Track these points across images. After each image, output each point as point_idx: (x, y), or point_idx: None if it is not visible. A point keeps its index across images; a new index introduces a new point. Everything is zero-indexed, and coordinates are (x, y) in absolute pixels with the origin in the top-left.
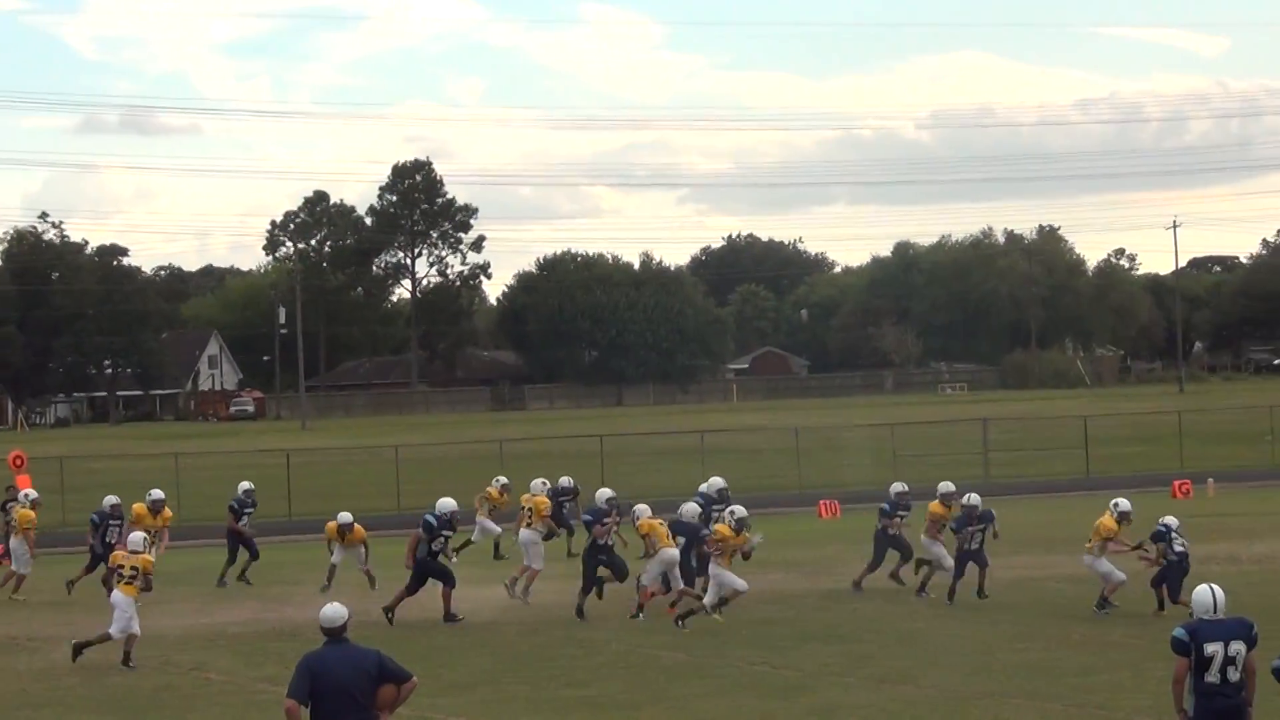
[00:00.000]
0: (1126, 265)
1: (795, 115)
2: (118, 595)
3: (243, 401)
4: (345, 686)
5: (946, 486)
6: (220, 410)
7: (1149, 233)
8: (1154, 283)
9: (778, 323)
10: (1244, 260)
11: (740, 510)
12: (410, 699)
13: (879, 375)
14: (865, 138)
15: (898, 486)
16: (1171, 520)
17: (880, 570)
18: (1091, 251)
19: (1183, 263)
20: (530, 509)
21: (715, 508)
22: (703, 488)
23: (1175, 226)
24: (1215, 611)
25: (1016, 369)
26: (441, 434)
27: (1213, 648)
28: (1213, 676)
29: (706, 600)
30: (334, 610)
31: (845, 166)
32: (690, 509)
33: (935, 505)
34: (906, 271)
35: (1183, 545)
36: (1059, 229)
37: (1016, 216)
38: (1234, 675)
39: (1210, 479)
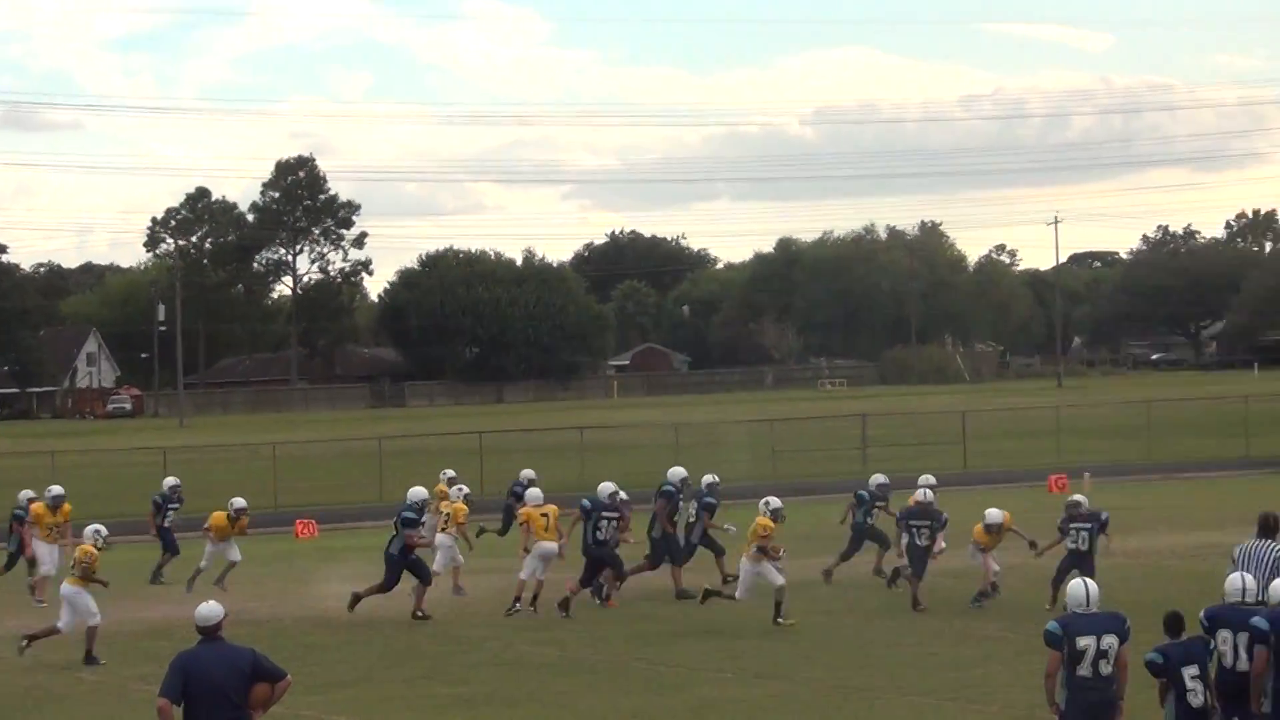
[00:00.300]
0: (1007, 261)
1: (680, 112)
2: (65, 587)
3: (120, 399)
4: (219, 685)
5: (927, 480)
6: (97, 408)
7: (1030, 228)
8: (1034, 278)
9: (659, 319)
10: (1124, 256)
11: (775, 501)
12: (284, 697)
13: (759, 371)
14: (749, 134)
15: (879, 478)
16: (1082, 499)
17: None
18: (973, 247)
19: (1063, 258)
20: (448, 515)
21: (680, 498)
22: (671, 477)
23: (1056, 222)
24: (1088, 605)
25: (896, 364)
26: (320, 431)
27: (1085, 641)
28: (1085, 670)
29: (739, 594)
30: (209, 609)
31: (729, 163)
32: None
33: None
34: (789, 267)
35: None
36: (941, 225)
37: (899, 212)
38: (1106, 669)
39: (1086, 473)
